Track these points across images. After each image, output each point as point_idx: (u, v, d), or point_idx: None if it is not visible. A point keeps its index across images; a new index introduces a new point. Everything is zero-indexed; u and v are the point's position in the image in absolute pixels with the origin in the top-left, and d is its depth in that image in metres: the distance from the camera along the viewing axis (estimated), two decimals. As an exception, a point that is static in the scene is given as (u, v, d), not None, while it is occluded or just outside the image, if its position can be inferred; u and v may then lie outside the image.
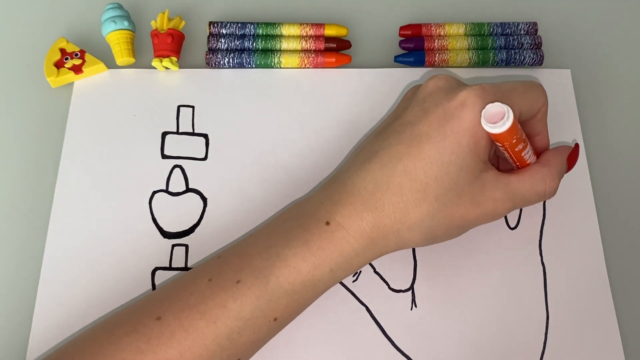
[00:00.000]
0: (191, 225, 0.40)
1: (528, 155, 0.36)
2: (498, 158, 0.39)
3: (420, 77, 0.46)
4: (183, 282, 0.33)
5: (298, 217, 0.34)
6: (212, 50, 0.46)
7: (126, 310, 0.33)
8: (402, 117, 0.35)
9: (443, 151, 0.33)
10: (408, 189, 0.33)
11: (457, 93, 0.34)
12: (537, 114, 0.36)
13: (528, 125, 0.37)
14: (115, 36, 0.45)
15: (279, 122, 0.44)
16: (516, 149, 0.34)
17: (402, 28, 0.47)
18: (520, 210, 0.41)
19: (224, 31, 0.46)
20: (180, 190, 0.41)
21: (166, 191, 0.41)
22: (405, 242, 0.34)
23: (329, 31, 0.46)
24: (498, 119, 0.32)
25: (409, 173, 0.33)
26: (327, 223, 0.33)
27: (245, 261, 0.33)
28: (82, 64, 0.44)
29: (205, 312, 0.31)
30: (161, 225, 0.40)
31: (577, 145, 0.38)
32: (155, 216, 0.40)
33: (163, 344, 0.31)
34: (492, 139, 0.34)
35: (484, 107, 0.32)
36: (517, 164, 0.36)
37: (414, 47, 0.46)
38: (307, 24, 0.46)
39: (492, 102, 0.32)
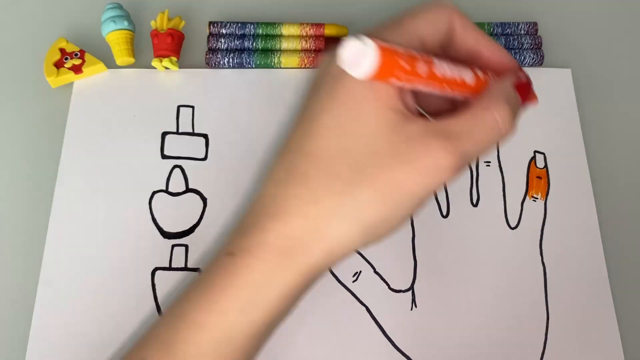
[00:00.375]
0: (191, 225, 0.40)
1: (454, 72, 0.27)
2: (426, 100, 0.30)
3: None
4: None
5: (210, 259, 0.28)
6: (212, 50, 0.46)
7: None
8: (300, 111, 0.28)
9: (339, 116, 0.25)
10: (314, 174, 0.25)
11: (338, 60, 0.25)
12: (455, 31, 0.28)
13: (456, 46, 0.28)
14: (115, 36, 0.45)
15: (279, 122, 0.44)
16: (420, 72, 0.25)
17: (402, 28, 0.47)
18: (521, 210, 0.41)
19: (224, 31, 0.46)
20: (180, 191, 0.41)
21: (166, 191, 0.41)
22: (333, 242, 0.26)
23: (329, 31, 0.46)
24: (360, 58, 0.23)
25: (309, 156, 0.26)
26: (231, 254, 0.26)
27: (152, 331, 0.28)
28: (82, 64, 0.44)
29: None
30: (161, 225, 0.40)
31: (525, 73, 0.30)
32: (155, 216, 0.40)
33: None
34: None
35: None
36: (447, 91, 0.27)
37: (414, 47, 0.46)
38: (307, 23, 0.46)
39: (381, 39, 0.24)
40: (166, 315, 0.28)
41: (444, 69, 0.26)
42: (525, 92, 0.29)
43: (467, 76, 0.27)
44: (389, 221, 0.26)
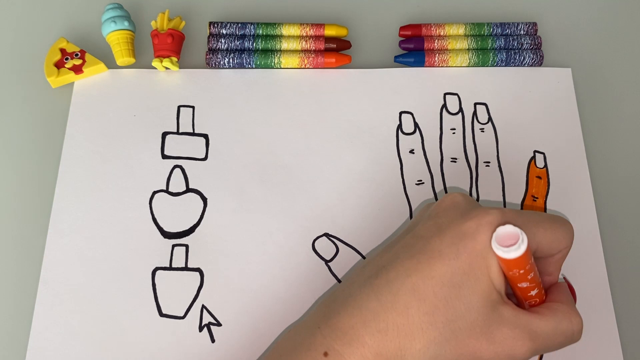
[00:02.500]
0: (191, 225, 0.40)
1: (535, 292, 0.32)
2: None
3: (416, 79, 0.46)
4: None
5: (293, 351, 0.30)
6: (212, 51, 0.46)
7: None
8: (414, 231, 0.32)
9: (455, 271, 0.29)
10: (415, 310, 0.29)
11: (474, 212, 0.31)
12: (556, 255, 0.32)
13: (542, 263, 0.33)
14: (115, 36, 0.45)
15: (279, 122, 0.44)
16: (523, 284, 0.30)
17: (402, 28, 0.47)
18: (521, 208, 0.41)
19: (224, 31, 0.46)
20: (181, 190, 0.41)
21: (166, 191, 0.41)
22: None
23: (329, 31, 0.46)
24: (510, 243, 0.28)
25: (417, 292, 0.29)
26: (325, 354, 0.29)
27: None
28: (83, 64, 0.44)
29: None
30: (161, 225, 0.40)
31: (567, 282, 0.35)
32: (156, 216, 0.40)
33: None
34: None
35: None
36: (522, 300, 0.32)
37: (414, 47, 0.46)
38: (307, 24, 0.46)
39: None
40: None
41: (535, 290, 0.31)
42: (574, 294, 0.35)
43: (536, 300, 0.32)
44: None
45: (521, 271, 0.29)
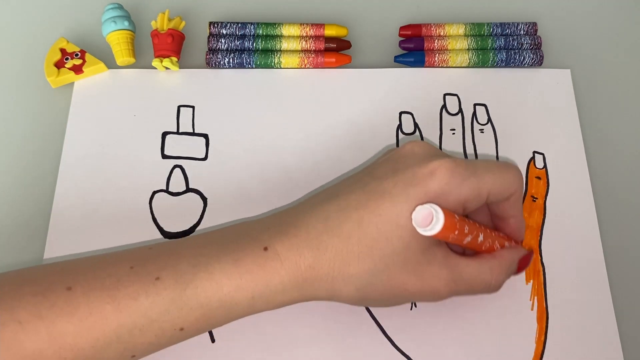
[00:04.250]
0: (191, 225, 0.40)
1: (482, 242, 0.34)
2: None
3: (416, 79, 0.46)
4: (105, 260, 0.32)
5: (240, 234, 0.33)
6: (212, 51, 0.46)
7: (41, 268, 0.32)
8: (372, 171, 0.34)
9: (401, 213, 0.31)
10: (357, 240, 0.31)
11: (430, 161, 0.32)
12: (510, 197, 0.34)
13: (501, 207, 0.35)
14: (115, 36, 0.45)
15: (279, 122, 0.44)
16: (464, 242, 0.33)
17: (402, 28, 0.47)
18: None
19: (224, 31, 0.46)
20: (181, 190, 0.41)
21: (166, 191, 0.41)
22: (337, 293, 0.33)
23: (329, 31, 0.46)
24: (429, 221, 0.30)
25: (362, 224, 0.31)
26: (265, 248, 0.32)
27: (172, 261, 0.32)
28: (83, 64, 0.45)
29: (115, 297, 0.30)
30: (161, 225, 0.40)
31: (531, 251, 0.37)
32: (156, 216, 0.40)
33: (64, 316, 0.30)
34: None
35: (452, 181, 0.31)
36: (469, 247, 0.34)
37: (414, 47, 0.46)
38: (307, 24, 0.46)
39: (461, 179, 0.31)
40: (188, 252, 0.32)
41: (480, 239, 0.33)
42: (524, 264, 0.36)
43: (493, 243, 0.35)
44: (381, 303, 0.34)
45: (452, 236, 0.31)
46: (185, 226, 0.40)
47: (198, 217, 0.41)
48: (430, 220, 0.30)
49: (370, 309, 0.38)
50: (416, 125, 0.44)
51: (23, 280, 0.31)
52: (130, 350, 0.31)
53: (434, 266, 0.32)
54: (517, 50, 0.46)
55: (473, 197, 0.32)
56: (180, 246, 0.33)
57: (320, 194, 0.35)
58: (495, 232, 0.35)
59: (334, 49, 0.46)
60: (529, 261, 0.36)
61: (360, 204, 0.32)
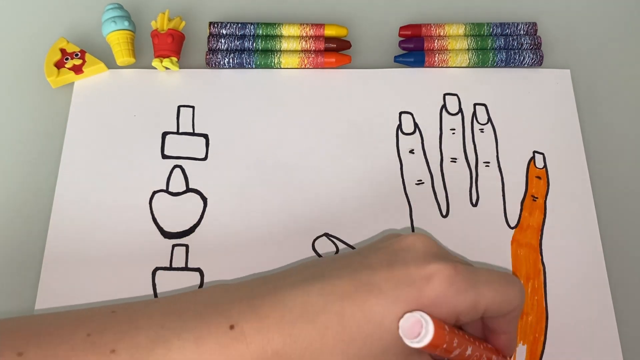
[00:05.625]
0: (191, 225, 0.40)
1: (469, 356, 0.31)
2: None
3: (416, 79, 0.46)
4: (62, 323, 0.30)
5: (207, 304, 0.30)
6: (212, 51, 0.46)
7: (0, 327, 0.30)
8: (365, 258, 0.31)
9: (387, 314, 0.28)
10: (333, 334, 0.28)
11: (429, 263, 0.30)
12: (507, 314, 0.31)
13: (495, 322, 0.32)
14: (115, 36, 0.45)
15: (279, 122, 0.44)
16: (451, 355, 0.30)
17: (402, 28, 0.47)
18: (521, 209, 0.41)
19: (224, 31, 0.46)
20: (181, 190, 0.41)
21: (166, 191, 0.41)
22: None
23: (329, 31, 0.46)
24: (417, 333, 0.28)
25: (343, 318, 0.28)
26: (232, 327, 0.29)
27: (131, 331, 0.29)
28: (83, 64, 0.44)
29: None
30: (161, 225, 0.40)
31: None
32: (156, 216, 0.40)
33: None
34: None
35: (449, 291, 0.29)
36: None
37: (414, 47, 0.46)
38: (307, 24, 0.46)
39: (459, 290, 0.29)
40: (148, 324, 0.30)
41: (468, 353, 0.30)
42: None
43: (480, 357, 0.32)
44: None
45: (440, 349, 0.28)
46: (185, 226, 0.40)
47: (198, 217, 0.41)
48: (418, 332, 0.28)
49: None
50: (416, 125, 0.44)
51: None
52: None
53: None
54: (517, 50, 0.46)
55: (468, 311, 0.30)
56: (143, 313, 0.31)
57: (303, 271, 0.32)
58: (484, 344, 0.33)
59: (334, 49, 0.46)
60: None
61: (345, 294, 0.29)
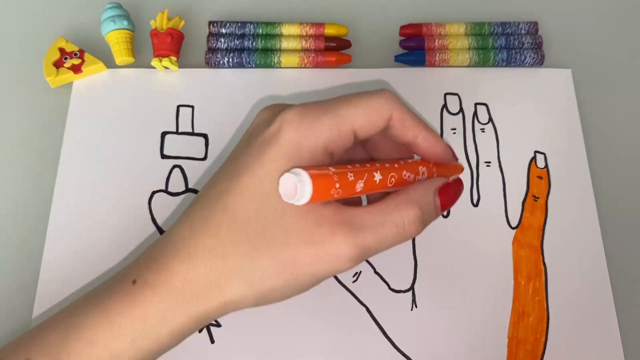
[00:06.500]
0: (191, 225, 0.40)
1: (383, 180, 0.28)
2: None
3: (417, 79, 0.46)
4: None
5: (112, 278, 0.30)
6: (211, 50, 0.46)
7: None
8: (230, 157, 0.31)
9: (263, 180, 0.27)
10: (227, 229, 0.28)
11: (276, 118, 0.29)
12: (393, 123, 0.29)
13: (395, 136, 0.31)
14: (114, 36, 0.45)
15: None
16: (357, 190, 0.27)
17: (402, 27, 0.47)
18: (522, 210, 0.41)
19: (224, 31, 0.46)
20: (180, 191, 0.41)
21: (166, 191, 0.41)
22: (229, 298, 0.28)
23: (329, 30, 0.46)
24: (295, 190, 0.26)
25: (228, 211, 0.28)
26: (134, 281, 0.28)
27: (41, 334, 0.29)
28: (82, 63, 0.44)
29: None
30: (161, 225, 0.40)
31: (457, 180, 0.32)
32: (155, 216, 0.40)
33: None
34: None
35: (301, 126, 0.27)
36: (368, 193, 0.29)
37: (415, 46, 0.46)
38: (307, 23, 0.46)
39: (311, 120, 0.28)
40: (58, 320, 0.29)
41: (377, 178, 0.28)
42: (450, 196, 0.31)
43: (403, 177, 0.29)
44: (282, 291, 0.28)
45: (335, 192, 0.26)
46: (185, 226, 0.40)
47: (197, 217, 0.40)
48: (296, 188, 0.25)
49: (371, 309, 0.38)
50: (416, 125, 0.44)
51: None
52: None
53: (325, 226, 0.27)
54: (518, 50, 0.46)
55: (335, 138, 0.28)
56: (55, 316, 0.30)
57: (188, 206, 0.31)
58: (404, 162, 0.30)
59: (334, 48, 0.46)
60: (453, 191, 0.31)
61: (221, 192, 0.28)
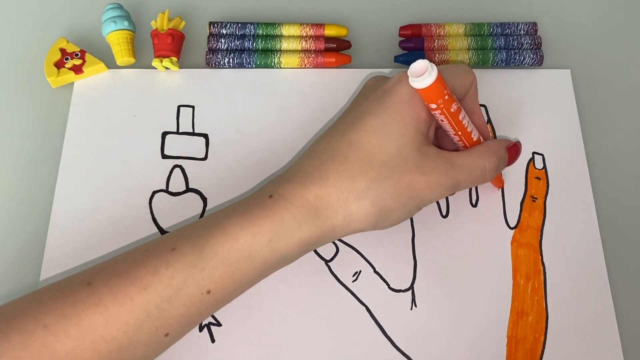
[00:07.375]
0: (191, 225, 0.40)
1: (468, 123, 0.36)
2: (440, 141, 0.40)
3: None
4: (119, 255, 0.33)
5: (245, 198, 0.35)
6: (212, 51, 0.46)
7: (62, 279, 0.32)
8: (347, 110, 0.37)
9: (385, 121, 0.34)
10: (354, 158, 0.33)
11: (392, 77, 0.35)
12: (469, 90, 0.37)
13: (464, 103, 0.37)
14: (115, 36, 0.45)
15: (279, 122, 0.44)
16: (452, 110, 0.34)
17: (402, 28, 0.47)
18: (520, 210, 0.41)
19: (224, 31, 0.46)
20: (180, 190, 0.41)
21: (166, 191, 0.41)
22: (355, 215, 0.33)
23: (329, 31, 0.46)
24: (422, 73, 0.32)
25: (353, 144, 0.34)
26: (270, 196, 0.33)
27: (184, 231, 0.33)
28: (83, 64, 0.44)
29: (136, 278, 0.30)
30: (161, 225, 0.40)
31: (518, 142, 0.39)
32: (155, 216, 0.40)
33: (89, 308, 0.29)
34: (428, 109, 0.34)
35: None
36: (460, 133, 0.36)
37: (414, 47, 0.46)
38: (307, 24, 0.46)
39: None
40: (200, 221, 0.33)
41: (464, 116, 0.35)
42: (514, 154, 0.39)
43: (473, 130, 0.36)
44: (397, 214, 0.34)
45: (444, 97, 0.32)
46: (185, 226, 0.40)
47: (198, 217, 0.41)
48: (424, 71, 0.31)
49: (370, 309, 0.38)
50: (416, 125, 0.44)
51: (44, 290, 0.31)
52: (162, 327, 0.31)
53: (431, 160, 0.34)
54: (517, 50, 0.46)
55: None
56: (196, 221, 0.34)
57: (308, 148, 0.36)
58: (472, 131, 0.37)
59: (334, 49, 0.46)
60: (518, 150, 0.39)
61: (345, 130, 0.34)
